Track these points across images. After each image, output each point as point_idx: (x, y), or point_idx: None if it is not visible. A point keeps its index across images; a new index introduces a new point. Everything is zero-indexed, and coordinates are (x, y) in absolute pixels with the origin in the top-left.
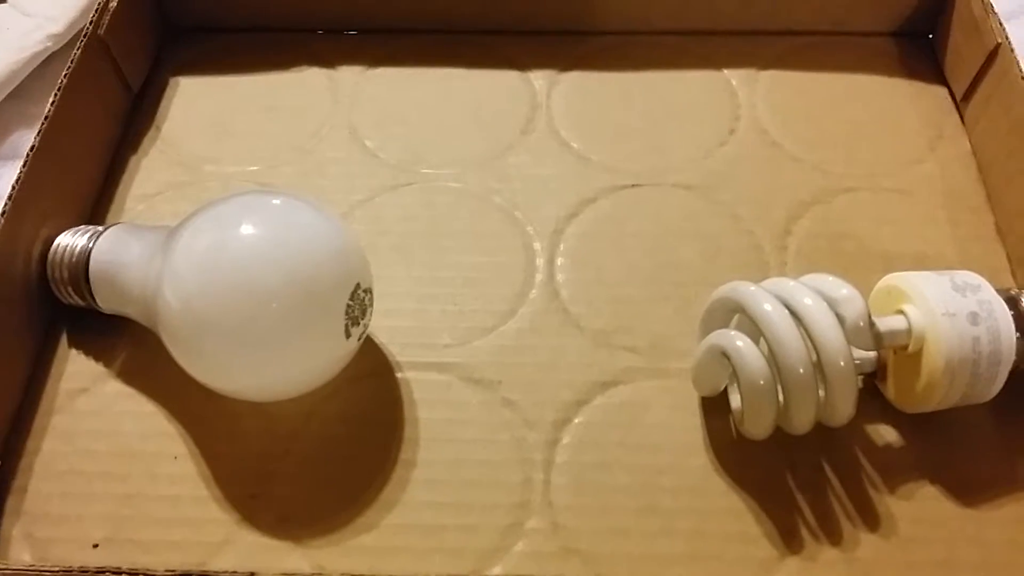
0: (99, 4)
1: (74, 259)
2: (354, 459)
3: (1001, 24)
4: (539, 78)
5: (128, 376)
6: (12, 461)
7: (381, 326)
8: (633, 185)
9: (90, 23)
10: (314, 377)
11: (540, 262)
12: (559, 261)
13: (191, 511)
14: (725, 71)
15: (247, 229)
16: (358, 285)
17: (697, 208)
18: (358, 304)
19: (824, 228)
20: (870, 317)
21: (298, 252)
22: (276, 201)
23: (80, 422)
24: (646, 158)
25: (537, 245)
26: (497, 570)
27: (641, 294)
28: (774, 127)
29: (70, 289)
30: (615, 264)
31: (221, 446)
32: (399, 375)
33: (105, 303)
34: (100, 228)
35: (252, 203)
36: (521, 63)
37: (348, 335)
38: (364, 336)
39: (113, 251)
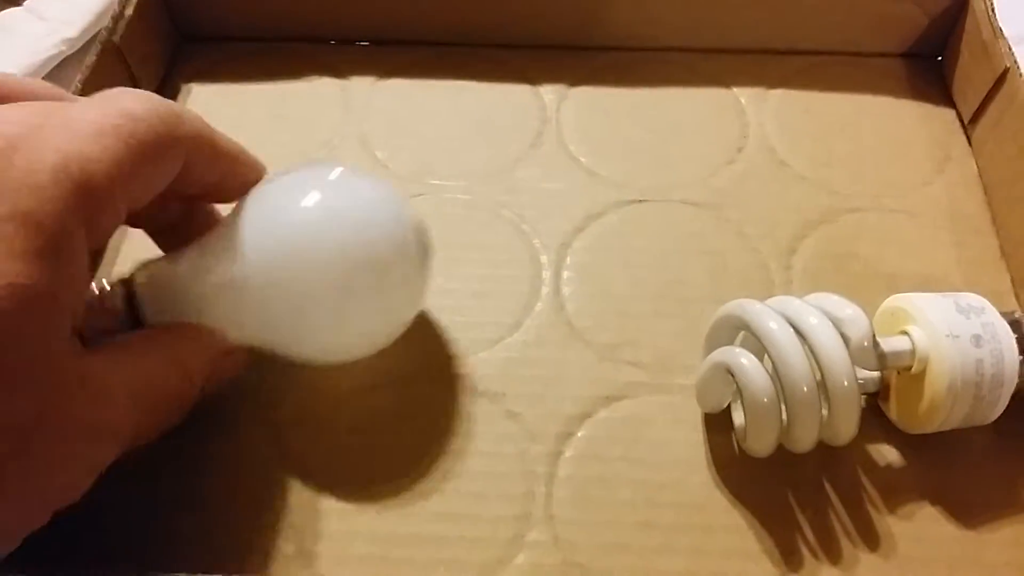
0: (115, 12)
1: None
2: (357, 469)
3: (1010, 48)
4: (549, 92)
5: None
6: None
7: None
8: (640, 200)
9: (105, 30)
10: (383, 336)
11: (547, 275)
12: (565, 275)
13: (196, 522)
14: (734, 89)
15: (311, 199)
16: (425, 249)
17: (704, 225)
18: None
19: (830, 247)
20: (874, 337)
21: (360, 217)
22: (336, 172)
23: None
24: (654, 174)
25: (544, 258)
26: None
27: (646, 309)
28: (782, 146)
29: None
30: (621, 279)
31: (225, 456)
32: (404, 386)
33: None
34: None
35: (311, 175)
36: (531, 77)
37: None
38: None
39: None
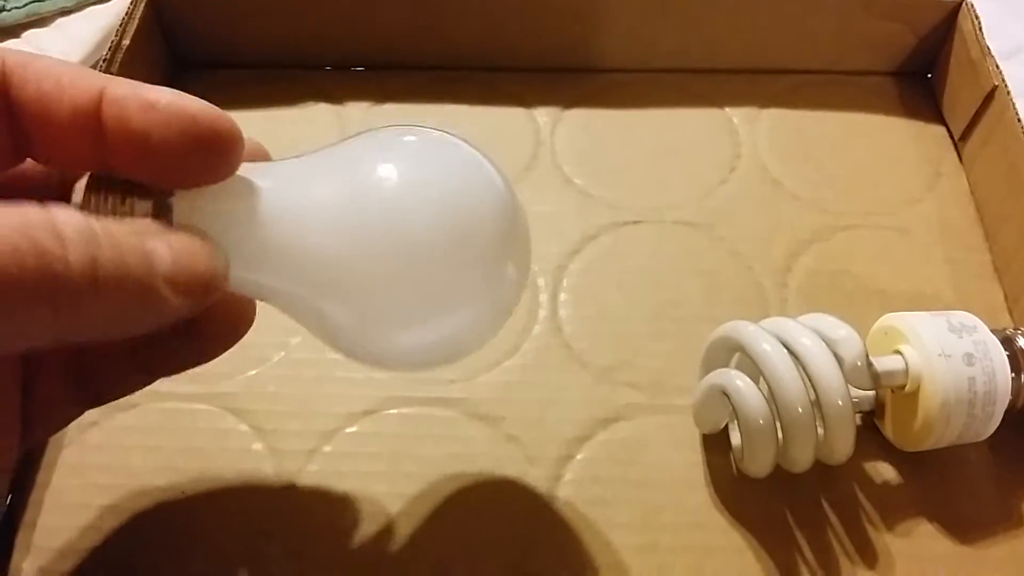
0: (112, 42)
1: None
2: (358, 495)
3: (998, 66)
4: (543, 115)
5: (137, 410)
6: (23, 495)
7: None
8: (635, 222)
9: (103, 59)
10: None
11: (544, 298)
12: (562, 297)
13: (199, 546)
14: (726, 109)
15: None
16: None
17: (698, 245)
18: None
19: (823, 265)
20: (868, 357)
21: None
22: (410, 138)
23: (90, 456)
24: (648, 195)
25: (540, 281)
26: None
27: (643, 330)
28: (774, 165)
29: None
30: (617, 300)
31: (228, 481)
32: (403, 410)
33: None
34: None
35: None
36: (526, 100)
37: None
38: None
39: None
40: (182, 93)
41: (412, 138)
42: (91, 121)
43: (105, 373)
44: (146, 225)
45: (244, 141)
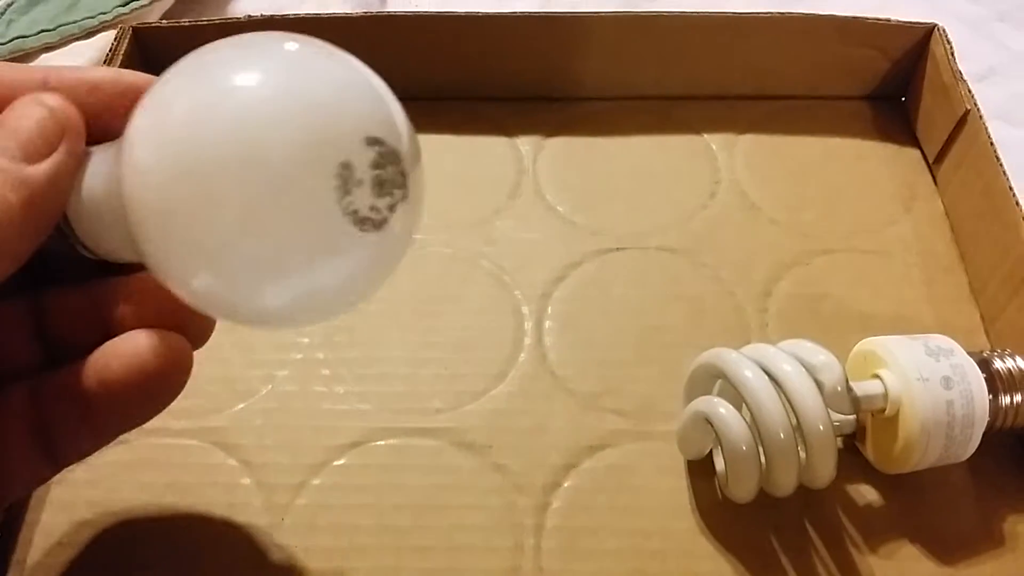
0: None
1: None
2: (347, 527)
3: (970, 91)
4: (525, 143)
5: (125, 446)
6: (13, 534)
7: (372, 391)
8: (617, 248)
9: None
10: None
11: (528, 326)
12: (547, 324)
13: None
14: (705, 135)
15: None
16: (377, 141)
17: (680, 271)
18: (367, 170)
19: (803, 290)
20: (847, 382)
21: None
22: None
23: (79, 493)
24: (630, 222)
25: (525, 309)
26: None
27: (627, 357)
28: (753, 190)
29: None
30: (601, 327)
31: (217, 517)
32: (390, 441)
33: (93, 237)
34: None
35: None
36: (508, 129)
37: (357, 220)
38: (408, 223)
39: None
40: (118, 70)
41: (264, 43)
42: None
43: (63, 434)
44: None
45: None
